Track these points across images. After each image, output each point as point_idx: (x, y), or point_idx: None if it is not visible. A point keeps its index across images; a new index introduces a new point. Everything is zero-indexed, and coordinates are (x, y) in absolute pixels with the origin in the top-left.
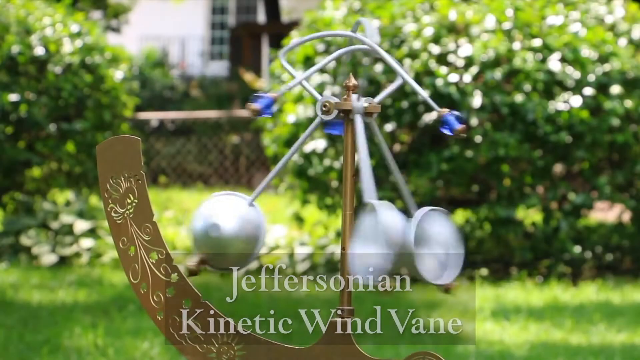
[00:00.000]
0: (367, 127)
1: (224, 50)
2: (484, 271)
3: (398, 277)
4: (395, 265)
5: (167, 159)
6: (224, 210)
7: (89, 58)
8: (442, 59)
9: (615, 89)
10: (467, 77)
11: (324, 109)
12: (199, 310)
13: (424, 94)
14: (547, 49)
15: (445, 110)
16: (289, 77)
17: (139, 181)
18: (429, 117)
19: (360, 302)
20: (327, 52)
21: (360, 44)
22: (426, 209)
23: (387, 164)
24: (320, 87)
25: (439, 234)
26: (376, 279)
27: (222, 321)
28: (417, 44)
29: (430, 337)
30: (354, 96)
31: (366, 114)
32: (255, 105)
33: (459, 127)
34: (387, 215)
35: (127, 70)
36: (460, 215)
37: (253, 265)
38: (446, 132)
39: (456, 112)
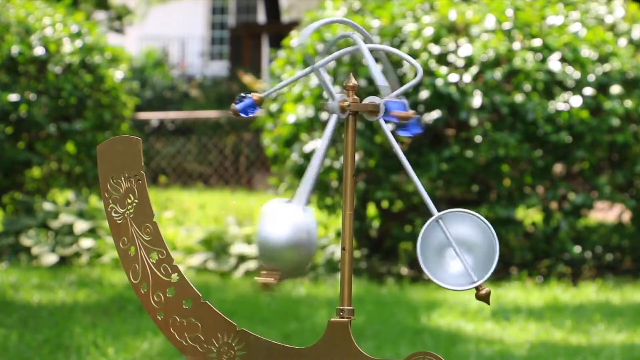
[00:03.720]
0: (371, 126)
1: (224, 50)
2: None
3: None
4: (274, 262)
5: (167, 159)
6: (278, 219)
7: (89, 58)
8: (442, 59)
9: (615, 89)
10: (467, 77)
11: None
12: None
13: (377, 71)
14: (547, 49)
15: (391, 96)
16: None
17: (139, 181)
18: (429, 117)
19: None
20: (327, 52)
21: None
22: (452, 210)
23: (402, 164)
24: (320, 88)
25: (463, 236)
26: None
27: (222, 321)
28: (417, 44)
29: (430, 337)
30: (338, 96)
31: (370, 113)
32: (235, 106)
33: (401, 113)
34: (274, 211)
35: (127, 70)
36: None
37: (253, 265)
38: (388, 119)
39: (401, 99)
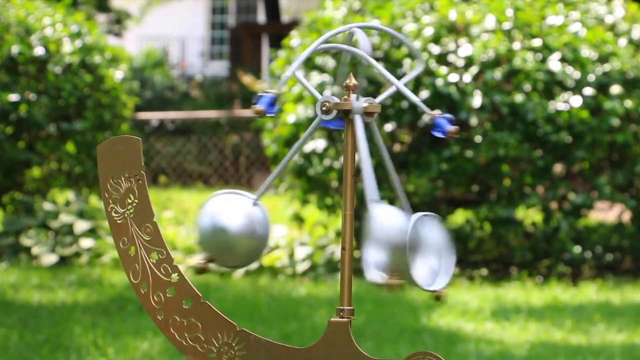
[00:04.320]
0: (367, 127)
1: (224, 50)
2: (484, 271)
3: (400, 274)
4: (396, 263)
5: (167, 159)
6: (229, 208)
7: (88, 58)
8: (442, 59)
9: (615, 89)
10: (467, 77)
11: (323, 108)
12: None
13: (415, 98)
14: (547, 49)
15: (437, 112)
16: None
17: (140, 181)
18: (428, 118)
19: (360, 302)
20: (327, 52)
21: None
22: (419, 214)
23: (384, 164)
24: (321, 87)
25: (432, 240)
26: (382, 276)
27: (222, 321)
28: (417, 44)
29: (430, 337)
30: (353, 96)
31: (366, 114)
32: (259, 106)
33: (450, 128)
34: (384, 214)
35: (127, 70)
36: (460, 215)
37: (253, 265)
38: (438, 134)
39: (447, 115)
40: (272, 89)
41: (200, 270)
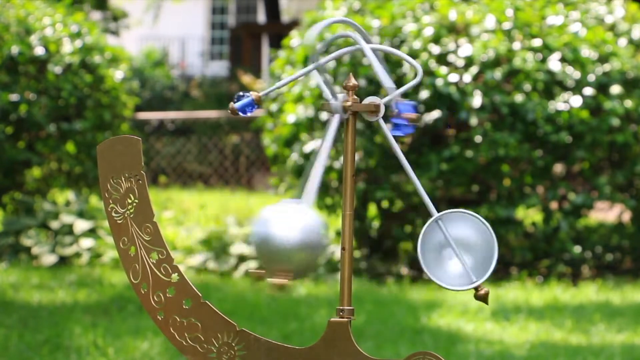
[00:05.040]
0: (371, 126)
1: (224, 50)
2: None
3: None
4: (287, 262)
5: (167, 159)
6: (286, 219)
7: (88, 58)
8: (442, 59)
9: (615, 89)
10: (467, 77)
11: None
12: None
13: (388, 80)
14: (547, 49)
15: (399, 99)
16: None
17: (140, 181)
18: (429, 117)
19: (360, 302)
20: (327, 52)
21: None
22: (450, 211)
23: (401, 164)
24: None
25: (464, 237)
26: (270, 274)
27: (222, 321)
28: (417, 44)
29: (430, 337)
30: (340, 96)
31: (370, 113)
32: (234, 105)
33: (411, 114)
34: (275, 213)
35: (127, 70)
36: None
37: (253, 265)
38: (398, 121)
39: (411, 102)
40: (253, 92)
41: (259, 279)
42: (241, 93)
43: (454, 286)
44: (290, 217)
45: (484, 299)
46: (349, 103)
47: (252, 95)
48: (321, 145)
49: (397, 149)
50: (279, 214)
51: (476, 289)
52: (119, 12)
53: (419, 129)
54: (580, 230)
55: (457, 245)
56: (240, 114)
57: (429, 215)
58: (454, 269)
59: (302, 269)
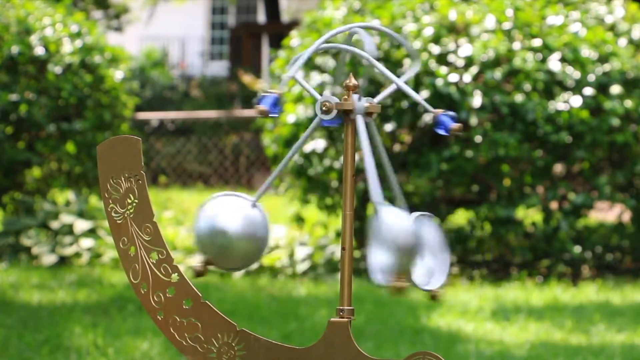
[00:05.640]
0: (367, 127)
1: (224, 50)
2: (484, 271)
3: (407, 276)
4: (403, 265)
5: (167, 159)
6: (228, 211)
7: (88, 58)
8: (442, 59)
9: (615, 89)
10: (467, 77)
11: (323, 108)
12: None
13: (418, 97)
14: (547, 49)
15: (439, 111)
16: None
17: (139, 181)
18: (429, 117)
19: (360, 302)
20: (327, 52)
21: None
22: (416, 214)
23: (382, 163)
24: (320, 87)
25: (428, 239)
26: (389, 278)
27: (222, 321)
28: (417, 44)
29: (430, 337)
30: (354, 96)
31: (366, 114)
32: (262, 106)
33: (453, 125)
34: (391, 216)
35: (127, 70)
36: (461, 215)
37: (254, 265)
38: (441, 132)
39: (450, 113)
40: (275, 89)
41: (199, 274)
42: (263, 93)
43: (421, 285)
44: (231, 208)
45: (436, 298)
46: (367, 105)
47: (275, 92)
48: (363, 152)
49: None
50: (220, 206)
51: (431, 289)
52: (120, 7)
53: (419, 129)
54: (580, 230)
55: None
56: (272, 114)
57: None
58: (417, 269)
59: (244, 260)
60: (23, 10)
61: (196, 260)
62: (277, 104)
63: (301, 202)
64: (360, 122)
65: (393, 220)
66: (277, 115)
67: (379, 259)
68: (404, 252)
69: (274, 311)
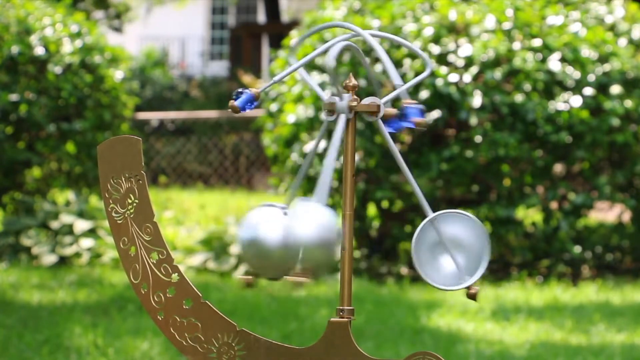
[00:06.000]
0: (371, 126)
1: (224, 50)
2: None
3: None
4: (316, 260)
5: (167, 159)
6: (268, 220)
7: (88, 58)
8: (442, 59)
9: (615, 89)
10: (467, 77)
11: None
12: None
13: (399, 80)
14: (547, 49)
15: (409, 101)
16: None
17: (140, 181)
18: (429, 117)
19: (360, 302)
20: (327, 52)
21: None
22: (444, 211)
23: (398, 164)
24: (321, 87)
25: (458, 237)
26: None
27: (222, 321)
28: (417, 44)
29: (430, 337)
30: (345, 95)
31: (370, 113)
32: (234, 102)
33: (418, 119)
34: (313, 211)
35: (127, 70)
36: None
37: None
38: (406, 124)
39: (419, 105)
40: (252, 88)
41: (249, 285)
42: (240, 90)
43: (445, 285)
44: (270, 218)
45: (473, 297)
46: (354, 103)
47: (251, 91)
48: (329, 147)
49: (395, 150)
50: (260, 216)
51: (468, 287)
52: (121, 6)
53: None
54: (580, 230)
55: (450, 245)
56: (242, 111)
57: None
58: (447, 269)
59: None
60: (23, 10)
61: (243, 272)
62: (250, 102)
63: None
64: (341, 121)
65: (315, 214)
66: (248, 111)
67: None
68: (322, 247)
69: (274, 311)
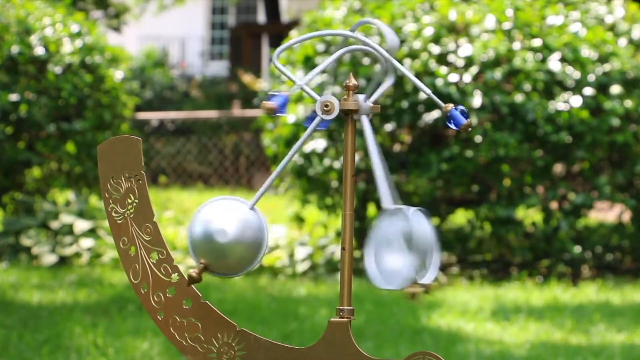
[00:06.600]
0: (371, 126)
1: (224, 50)
2: (484, 271)
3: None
4: (422, 267)
5: (167, 159)
6: (224, 214)
7: (89, 58)
8: (442, 59)
9: (615, 89)
10: (467, 77)
11: (325, 108)
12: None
13: (428, 90)
14: (547, 49)
15: (450, 106)
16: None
17: (140, 181)
18: (429, 117)
19: (360, 302)
20: (327, 52)
21: (360, 44)
22: (412, 209)
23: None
24: (321, 87)
25: (420, 234)
26: (405, 284)
27: (222, 321)
28: (417, 44)
29: (430, 337)
30: (360, 97)
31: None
32: (271, 104)
33: (464, 122)
34: (419, 223)
35: (127, 70)
36: (461, 215)
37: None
38: (452, 127)
39: (461, 107)
40: (285, 90)
41: (194, 280)
42: (273, 92)
43: (389, 284)
44: (227, 212)
45: (414, 297)
46: (371, 104)
47: (286, 93)
48: (369, 151)
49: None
50: (215, 210)
51: (412, 286)
52: (120, 7)
53: (419, 129)
54: (580, 230)
55: (402, 242)
56: (280, 113)
57: (429, 213)
58: (395, 266)
59: (240, 265)
60: (23, 10)
61: (192, 266)
62: (286, 103)
63: (301, 202)
64: (365, 123)
65: (419, 224)
66: (283, 115)
67: (393, 264)
68: (425, 254)
69: (274, 311)
